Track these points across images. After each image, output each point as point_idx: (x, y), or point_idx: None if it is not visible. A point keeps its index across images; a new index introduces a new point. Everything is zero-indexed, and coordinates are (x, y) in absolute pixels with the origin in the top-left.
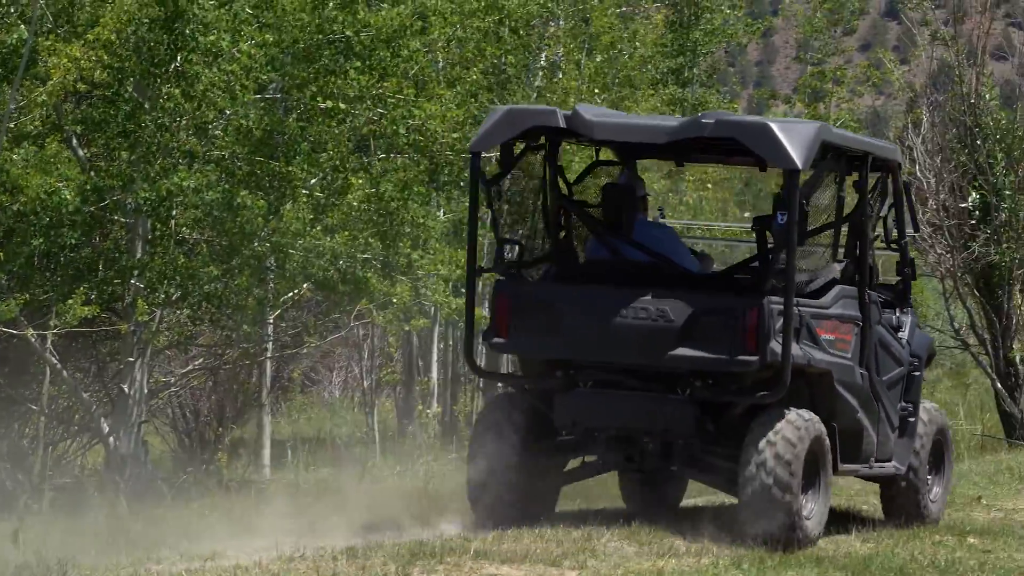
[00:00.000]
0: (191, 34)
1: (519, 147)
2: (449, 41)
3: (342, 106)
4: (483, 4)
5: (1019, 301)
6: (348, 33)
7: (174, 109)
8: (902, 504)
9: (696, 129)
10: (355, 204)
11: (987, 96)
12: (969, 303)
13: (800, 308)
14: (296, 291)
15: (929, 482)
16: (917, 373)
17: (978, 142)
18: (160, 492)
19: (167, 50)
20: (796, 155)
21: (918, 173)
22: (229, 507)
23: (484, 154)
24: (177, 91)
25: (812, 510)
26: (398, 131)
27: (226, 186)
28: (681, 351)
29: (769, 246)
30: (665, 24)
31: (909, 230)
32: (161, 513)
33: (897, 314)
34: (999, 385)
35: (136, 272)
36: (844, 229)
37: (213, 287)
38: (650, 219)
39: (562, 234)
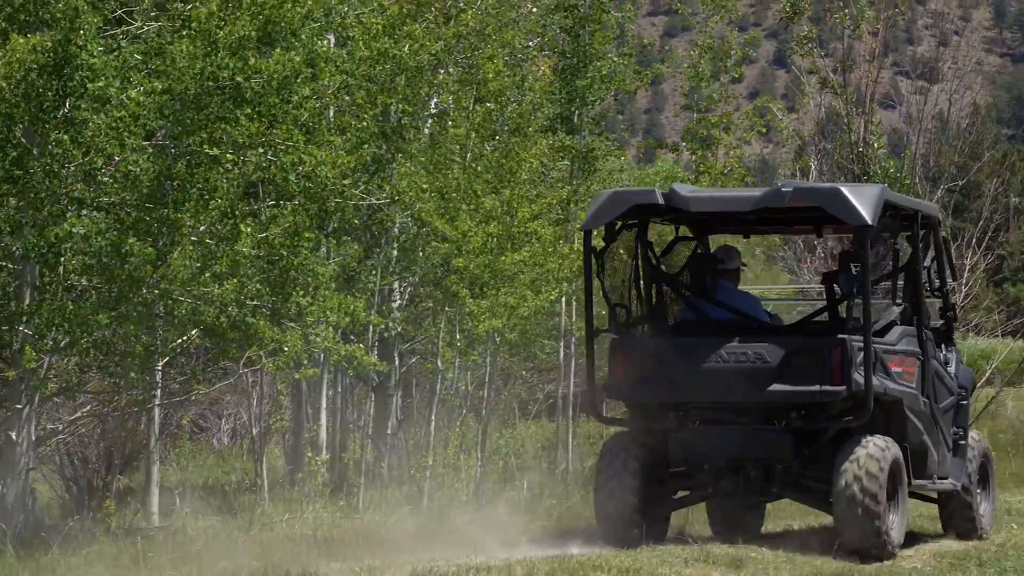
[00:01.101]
0: (80, 80)
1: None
2: (339, 88)
3: (230, 154)
4: (373, 51)
5: None
6: (238, 79)
7: (63, 155)
8: (958, 518)
9: (777, 198)
10: (244, 251)
11: (875, 144)
12: None
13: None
14: (185, 338)
15: (979, 498)
16: (964, 401)
17: None
18: (47, 540)
19: (56, 96)
20: (866, 213)
21: None
22: (117, 554)
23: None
24: (66, 137)
25: (894, 521)
26: (288, 177)
27: (115, 233)
28: (777, 387)
29: (837, 295)
30: (553, 72)
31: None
32: (48, 561)
33: (944, 351)
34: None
35: (24, 319)
36: (900, 277)
37: (102, 334)
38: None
39: (655, 298)
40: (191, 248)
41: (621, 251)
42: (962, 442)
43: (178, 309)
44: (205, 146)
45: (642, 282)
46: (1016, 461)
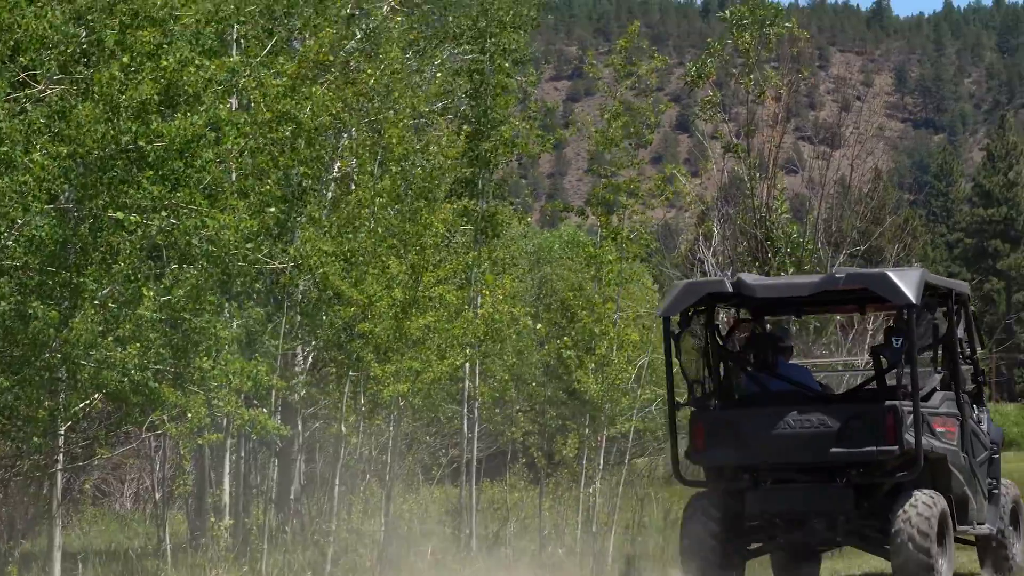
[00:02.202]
0: None
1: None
2: (242, 152)
3: (133, 217)
4: (275, 115)
5: None
6: (141, 143)
7: None
8: (995, 558)
9: (832, 283)
10: (147, 314)
11: (778, 209)
12: None
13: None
14: (88, 402)
15: (1012, 538)
16: (996, 455)
17: (769, 255)
18: None
19: None
20: (911, 294)
21: None
22: None
23: None
24: None
25: (944, 564)
26: (191, 241)
27: (18, 296)
28: (838, 449)
29: (884, 366)
30: (457, 134)
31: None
32: None
33: (976, 411)
34: None
35: None
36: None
37: (4, 398)
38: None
39: (722, 374)
40: (94, 311)
41: (691, 334)
42: (995, 491)
43: (81, 373)
44: (108, 209)
45: (712, 360)
46: None
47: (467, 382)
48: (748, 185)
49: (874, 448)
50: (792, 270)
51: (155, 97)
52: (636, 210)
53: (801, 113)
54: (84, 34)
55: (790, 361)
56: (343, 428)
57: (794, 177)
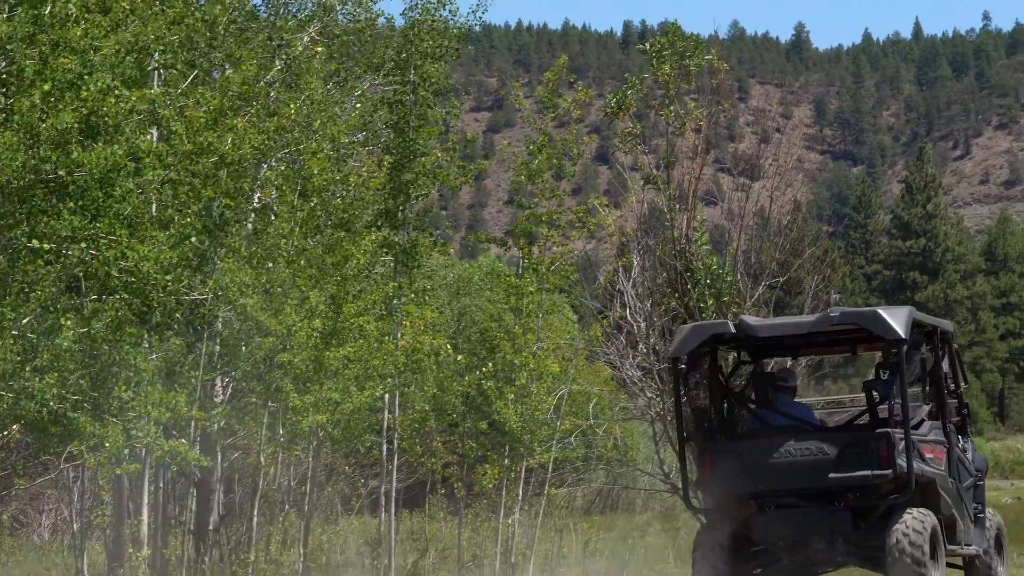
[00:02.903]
0: None
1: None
2: (163, 182)
3: (45, 245)
4: (196, 146)
5: None
6: (61, 173)
7: None
8: None
9: (826, 321)
10: (66, 345)
11: (698, 240)
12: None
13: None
14: (5, 432)
15: (995, 561)
16: (980, 482)
17: (688, 286)
18: None
19: None
20: (901, 330)
21: (628, 317)
22: None
23: None
24: None
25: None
26: (110, 272)
27: None
28: (836, 474)
29: (875, 399)
30: (378, 165)
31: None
32: None
33: (962, 440)
34: None
35: None
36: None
37: None
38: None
39: (726, 410)
40: (12, 342)
41: (697, 374)
42: (981, 515)
43: None
44: (27, 239)
45: (716, 398)
46: None
47: (387, 413)
48: (668, 216)
49: (869, 473)
50: (712, 302)
51: (75, 126)
52: (557, 241)
53: (721, 145)
54: (4, 63)
55: (794, 399)
56: (262, 459)
57: (713, 208)
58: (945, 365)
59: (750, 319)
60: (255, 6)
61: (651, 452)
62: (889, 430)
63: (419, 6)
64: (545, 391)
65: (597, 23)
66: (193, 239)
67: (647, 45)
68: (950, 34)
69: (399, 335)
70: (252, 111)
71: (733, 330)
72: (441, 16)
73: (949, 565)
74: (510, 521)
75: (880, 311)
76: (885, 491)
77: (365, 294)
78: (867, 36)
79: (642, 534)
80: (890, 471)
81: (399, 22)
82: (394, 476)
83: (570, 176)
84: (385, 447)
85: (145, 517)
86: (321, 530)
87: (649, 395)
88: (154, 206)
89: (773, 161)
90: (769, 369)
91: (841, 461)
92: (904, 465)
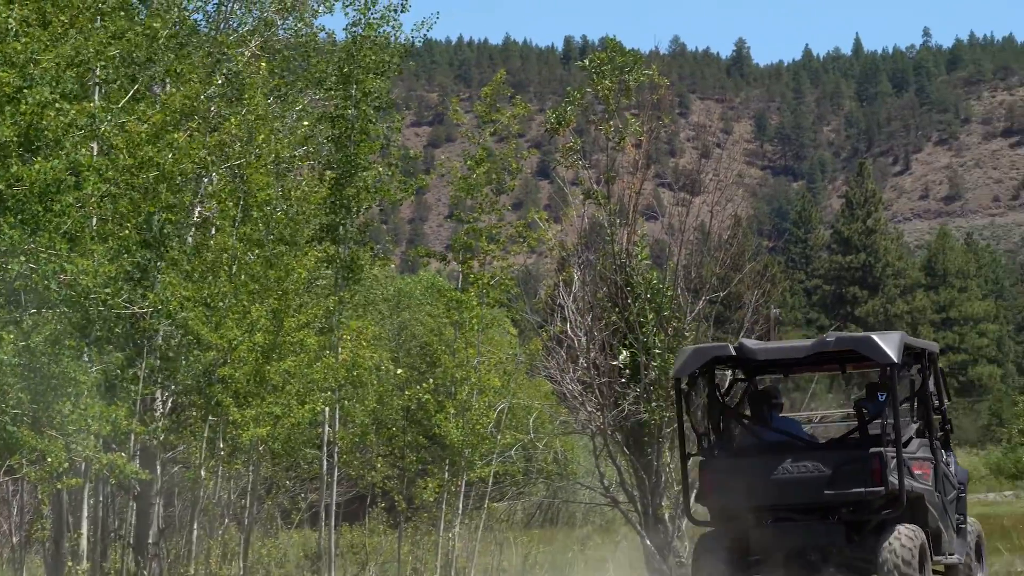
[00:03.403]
0: None
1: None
2: (103, 197)
3: None
4: (137, 160)
5: (668, 459)
6: (0, 187)
7: None
8: None
9: (823, 346)
10: (5, 358)
11: (638, 255)
12: (619, 460)
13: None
14: None
15: (975, 569)
16: (963, 494)
17: (629, 301)
18: None
19: None
20: (893, 354)
21: (569, 332)
22: None
23: None
24: None
25: None
26: (50, 286)
27: None
28: (831, 491)
29: (867, 418)
30: (319, 180)
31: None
32: None
33: (945, 455)
34: (648, 542)
35: None
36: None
37: None
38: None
39: (722, 427)
40: None
41: (695, 393)
42: (963, 525)
43: None
44: None
45: (714, 416)
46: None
47: (327, 427)
48: (608, 231)
49: (863, 489)
50: (652, 316)
51: (15, 140)
52: (497, 256)
53: (661, 160)
54: None
55: (781, 415)
56: (202, 472)
57: (654, 223)
58: (931, 385)
59: (749, 343)
60: (196, 21)
61: (591, 466)
62: (881, 449)
63: (362, 22)
64: (486, 405)
65: (538, 39)
66: (132, 253)
67: (587, 61)
68: (890, 50)
69: (339, 349)
70: (194, 126)
71: (733, 353)
72: (384, 32)
73: (933, 572)
74: (450, 535)
75: (874, 336)
76: (877, 507)
77: (306, 308)
78: (807, 52)
79: (582, 547)
80: (882, 488)
81: (340, 37)
82: (334, 490)
83: (510, 191)
84: (325, 461)
85: (85, 531)
86: (261, 544)
87: (589, 409)
88: (94, 220)
89: (713, 176)
90: (761, 387)
91: (836, 478)
92: (896, 482)
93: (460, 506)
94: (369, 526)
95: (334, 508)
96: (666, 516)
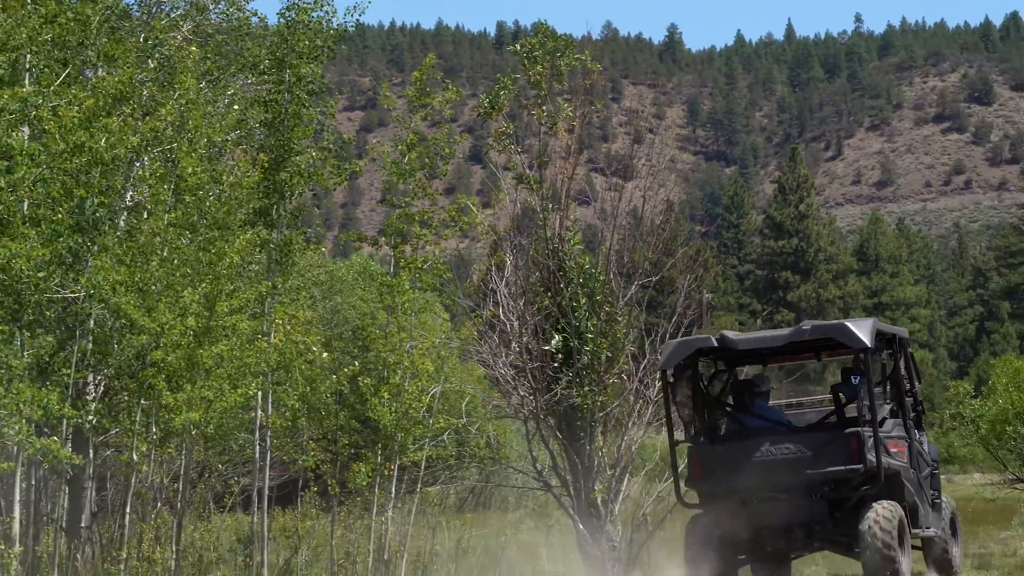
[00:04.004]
0: None
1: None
2: (35, 181)
3: None
4: (70, 144)
5: (601, 443)
6: None
7: None
8: (937, 557)
9: (799, 334)
10: None
11: (571, 240)
12: (552, 445)
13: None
14: None
15: (951, 542)
16: (936, 471)
17: (561, 286)
18: None
19: None
20: (867, 339)
21: (501, 316)
22: None
23: None
24: None
25: (903, 559)
26: None
27: None
28: (812, 471)
29: (843, 401)
30: (252, 165)
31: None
32: None
33: (918, 434)
34: (581, 526)
35: None
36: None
37: None
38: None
39: (707, 415)
40: None
41: (682, 383)
42: (938, 500)
43: None
44: None
45: (698, 404)
46: None
47: (259, 411)
48: (541, 216)
49: (842, 468)
50: (584, 301)
51: None
52: (429, 240)
53: (594, 145)
54: None
55: (767, 403)
56: (134, 456)
57: (587, 208)
58: (903, 368)
59: (731, 334)
60: (128, 5)
61: (524, 450)
62: (858, 429)
63: (295, 6)
64: (419, 390)
65: (470, 23)
66: (65, 238)
67: (519, 46)
68: (822, 36)
69: (272, 334)
70: (128, 111)
71: (715, 344)
72: (317, 17)
73: (912, 547)
74: (383, 519)
75: (848, 324)
76: (856, 484)
77: (239, 293)
78: (740, 37)
79: (515, 531)
80: (861, 465)
81: (273, 21)
82: (267, 474)
83: (443, 175)
84: (258, 445)
85: (17, 514)
86: (194, 527)
87: (522, 393)
88: (26, 204)
89: (646, 161)
90: (744, 376)
91: (816, 458)
92: (873, 460)
93: (393, 490)
94: (302, 510)
95: (267, 492)
96: (599, 500)
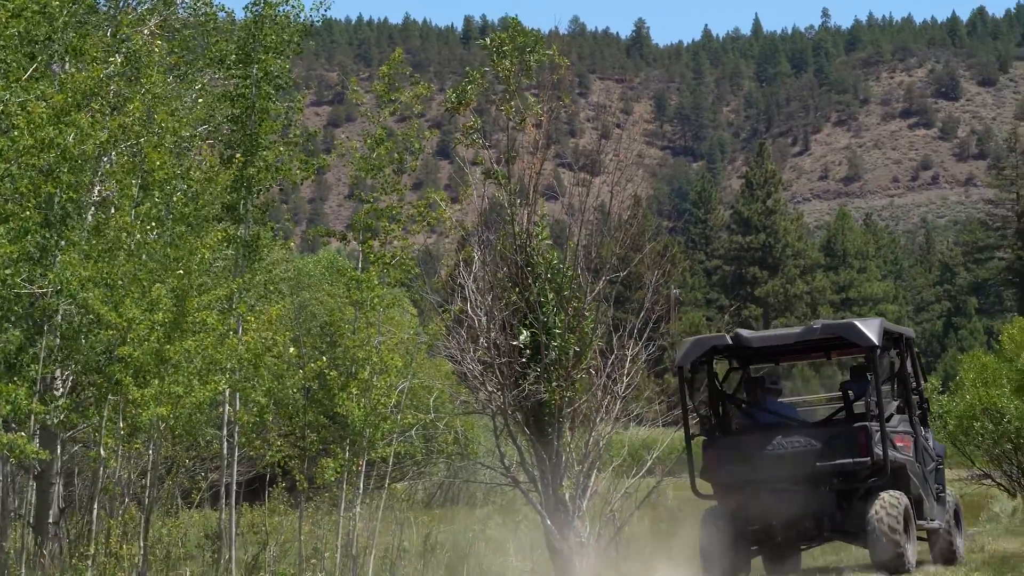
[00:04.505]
0: None
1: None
2: (2, 178)
3: None
4: (38, 140)
5: (568, 439)
6: None
7: None
8: (942, 547)
9: (811, 332)
10: None
11: (538, 235)
12: (520, 440)
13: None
14: None
15: (955, 533)
16: (941, 466)
17: (529, 281)
18: None
19: None
20: (875, 338)
21: (469, 311)
22: None
23: None
24: None
25: (909, 548)
26: None
27: None
28: (823, 462)
29: (851, 397)
30: (221, 162)
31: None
32: None
33: (924, 431)
34: (548, 522)
35: None
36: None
37: None
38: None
39: (721, 410)
40: None
41: (697, 379)
42: (942, 494)
43: None
44: None
45: (713, 400)
46: (676, 545)
47: (227, 406)
48: (508, 211)
49: (851, 460)
50: (552, 296)
51: None
52: (398, 235)
53: (561, 140)
54: None
55: (779, 400)
56: (102, 452)
57: (554, 203)
58: (909, 366)
59: (745, 332)
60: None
61: (491, 446)
62: (866, 424)
63: (263, 1)
64: (387, 386)
65: (438, 18)
66: (33, 234)
67: (487, 40)
68: (789, 31)
69: (241, 330)
70: (96, 107)
71: (730, 341)
72: (284, 11)
73: (918, 539)
74: (351, 515)
75: (857, 323)
76: (864, 476)
77: (208, 288)
78: (707, 32)
79: (483, 527)
80: (868, 458)
81: (240, 16)
82: (235, 469)
83: (412, 171)
84: (226, 441)
85: None
86: (161, 523)
87: (490, 389)
88: None
89: (613, 156)
90: (758, 374)
91: (825, 451)
92: (880, 453)
93: (361, 486)
94: (270, 506)
95: (235, 488)
96: (567, 496)
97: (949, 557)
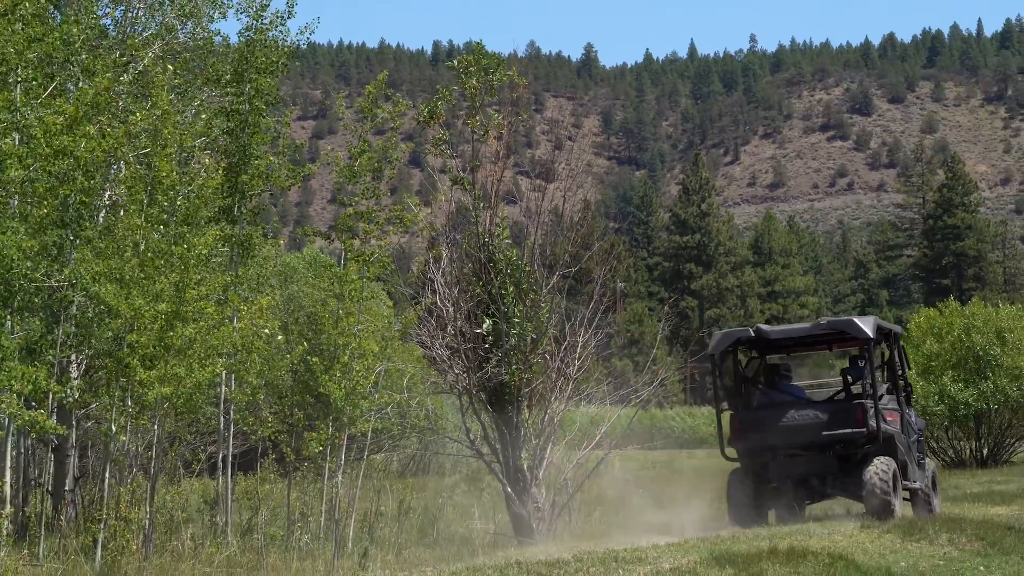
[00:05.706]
0: None
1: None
2: (23, 181)
3: None
4: (54, 148)
5: (527, 415)
6: None
7: None
8: (921, 506)
9: (817, 327)
10: None
11: (500, 236)
12: (483, 417)
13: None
14: None
15: (932, 495)
16: (921, 438)
17: (491, 275)
18: None
19: None
20: (870, 332)
21: (438, 303)
22: None
23: None
24: None
25: (896, 502)
26: None
27: None
28: (828, 432)
29: (851, 381)
30: (217, 168)
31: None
32: None
33: (908, 409)
34: (509, 489)
35: None
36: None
37: None
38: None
39: (743, 391)
40: None
41: (724, 366)
42: (923, 461)
43: None
44: None
45: (737, 382)
46: (622, 513)
47: (223, 387)
48: (473, 214)
49: (850, 431)
50: (512, 289)
51: None
52: (375, 235)
53: (519, 151)
54: None
55: (791, 382)
56: (113, 427)
57: (513, 207)
58: (896, 356)
59: (764, 327)
60: (105, 26)
61: (458, 422)
62: (863, 401)
63: (254, 27)
64: (365, 368)
65: (410, 42)
66: (50, 232)
67: (455, 62)
68: (721, 54)
69: (236, 319)
70: (104, 120)
71: (752, 334)
72: (274, 36)
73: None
74: (334, 483)
75: (855, 320)
76: (860, 443)
77: (205, 282)
78: (648, 55)
79: (451, 494)
80: (864, 429)
81: (234, 40)
82: (230, 443)
83: (388, 178)
84: (222, 418)
85: (8, 479)
86: (165, 491)
87: (457, 371)
88: (15, 200)
89: (566, 165)
90: (774, 362)
91: (830, 423)
92: (874, 425)
93: (342, 457)
94: (261, 475)
95: (230, 459)
96: (525, 467)
97: (926, 513)
